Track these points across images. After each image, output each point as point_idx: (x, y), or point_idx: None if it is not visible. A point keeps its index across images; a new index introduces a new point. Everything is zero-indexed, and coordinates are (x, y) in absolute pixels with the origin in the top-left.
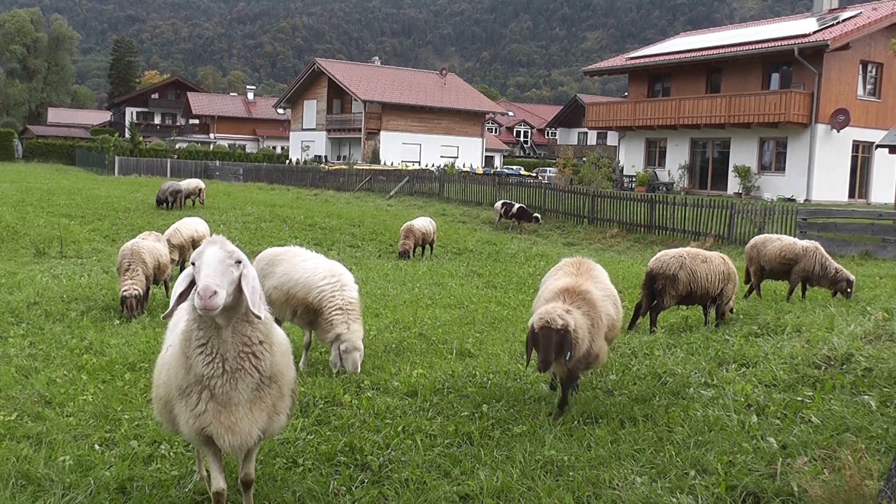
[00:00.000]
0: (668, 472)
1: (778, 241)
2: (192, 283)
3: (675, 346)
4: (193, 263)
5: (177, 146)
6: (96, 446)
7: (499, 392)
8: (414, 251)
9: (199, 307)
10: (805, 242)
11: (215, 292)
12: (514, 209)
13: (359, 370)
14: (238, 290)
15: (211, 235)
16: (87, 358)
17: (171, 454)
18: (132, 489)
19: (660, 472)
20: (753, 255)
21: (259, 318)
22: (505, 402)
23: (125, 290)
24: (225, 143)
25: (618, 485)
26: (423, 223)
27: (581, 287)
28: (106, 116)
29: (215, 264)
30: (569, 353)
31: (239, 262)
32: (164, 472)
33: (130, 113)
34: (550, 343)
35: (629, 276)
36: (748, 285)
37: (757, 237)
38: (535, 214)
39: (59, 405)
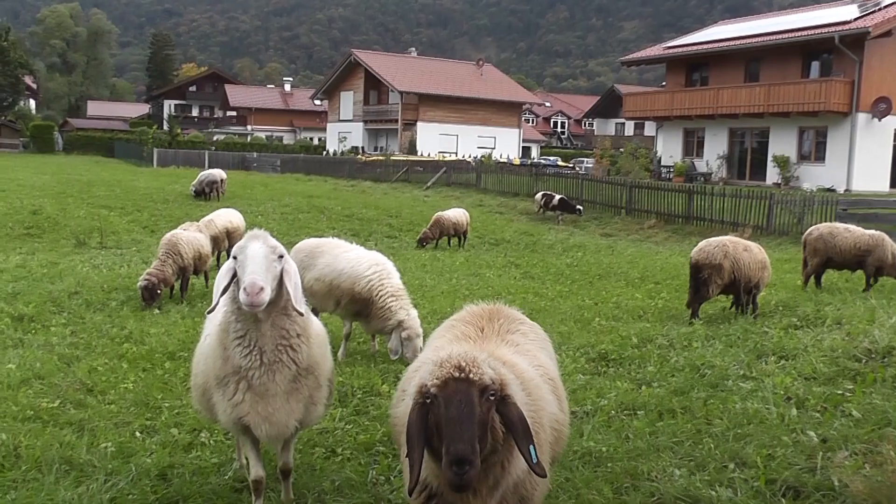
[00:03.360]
0: (707, 464)
1: (848, 233)
2: (234, 277)
3: (714, 338)
4: (235, 257)
5: (214, 138)
6: (137, 433)
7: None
8: (437, 241)
9: (245, 303)
10: (873, 232)
11: (262, 288)
12: (555, 200)
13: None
14: (280, 285)
15: (246, 226)
16: (127, 347)
17: (211, 442)
18: (173, 476)
19: (698, 465)
20: (820, 247)
21: (301, 314)
22: None
23: (141, 280)
24: (262, 135)
25: (656, 477)
26: (455, 214)
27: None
28: (144, 109)
29: (260, 260)
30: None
31: (281, 256)
32: (203, 460)
33: (168, 105)
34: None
35: (667, 267)
36: (805, 275)
37: (821, 227)
38: (578, 206)
39: (101, 393)
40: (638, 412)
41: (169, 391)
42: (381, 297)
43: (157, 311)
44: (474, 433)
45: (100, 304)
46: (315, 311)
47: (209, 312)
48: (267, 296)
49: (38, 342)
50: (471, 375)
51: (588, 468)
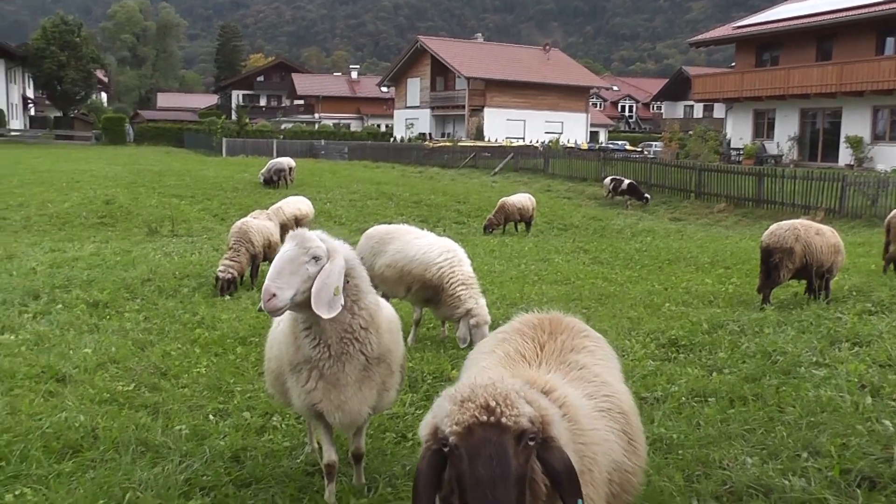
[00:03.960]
0: (780, 453)
1: None
2: None
3: (786, 324)
4: None
5: (282, 127)
6: (210, 416)
7: None
8: (504, 227)
9: (263, 308)
10: None
11: (274, 295)
12: (624, 185)
13: None
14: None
15: (315, 213)
16: (199, 332)
17: (283, 426)
18: (245, 458)
19: (771, 453)
20: None
21: (323, 317)
22: None
23: (219, 271)
24: (329, 123)
25: (728, 465)
26: (520, 199)
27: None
28: (213, 100)
29: (282, 264)
30: None
31: (317, 258)
32: (276, 443)
33: (236, 95)
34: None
35: (737, 251)
36: (885, 259)
37: None
38: (646, 195)
39: (174, 377)
40: (709, 399)
41: (241, 375)
42: (451, 284)
43: (227, 297)
44: (510, 497)
45: (172, 290)
46: (385, 297)
47: (261, 310)
48: (282, 301)
49: (113, 327)
50: (504, 419)
51: (659, 455)
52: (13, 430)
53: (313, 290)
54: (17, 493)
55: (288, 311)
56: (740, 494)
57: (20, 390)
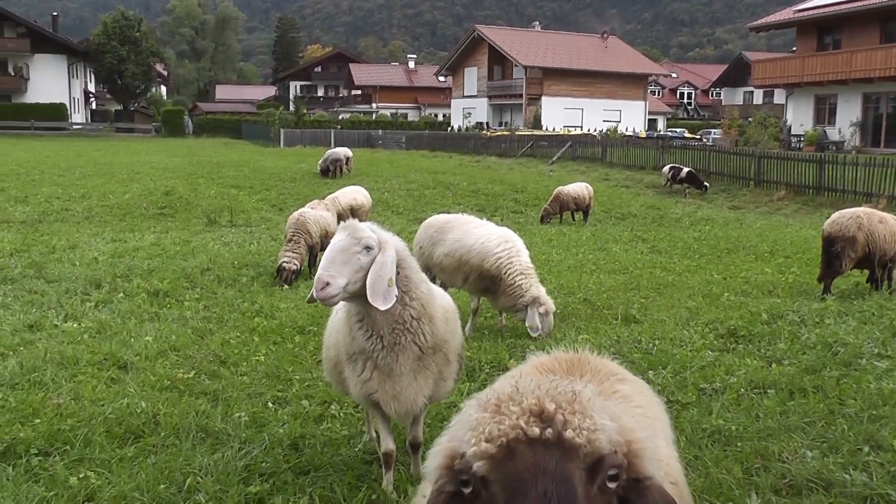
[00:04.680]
0: (840, 446)
1: None
2: None
3: (847, 315)
4: None
5: (340, 117)
6: (269, 404)
7: (665, 358)
8: (561, 216)
9: (315, 298)
10: None
11: (327, 283)
12: (683, 173)
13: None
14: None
15: (373, 203)
16: (258, 321)
17: (341, 414)
18: (304, 446)
19: (831, 447)
20: None
21: (378, 308)
22: (671, 370)
23: (283, 262)
24: (387, 112)
25: (787, 457)
26: (576, 188)
27: None
28: (270, 91)
29: (333, 254)
30: None
31: (369, 248)
32: (334, 432)
33: (294, 87)
34: None
35: (797, 240)
36: None
37: None
38: (705, 183)
39: (234, 364)
40: (768, 390)
41: (299, 364)
42: (509, 274)
43: (286, 287)
44: None
45: (231, 279)
46: (444, 286)
47: (309, 301)
48: (335, 290)
49: (173, 316)
50: (569, 433)
51: (717, 447)
52: (77, 415)
53: (368, 281)
54: (80, 476)
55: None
56: (800, 488)
57: (83, 377)
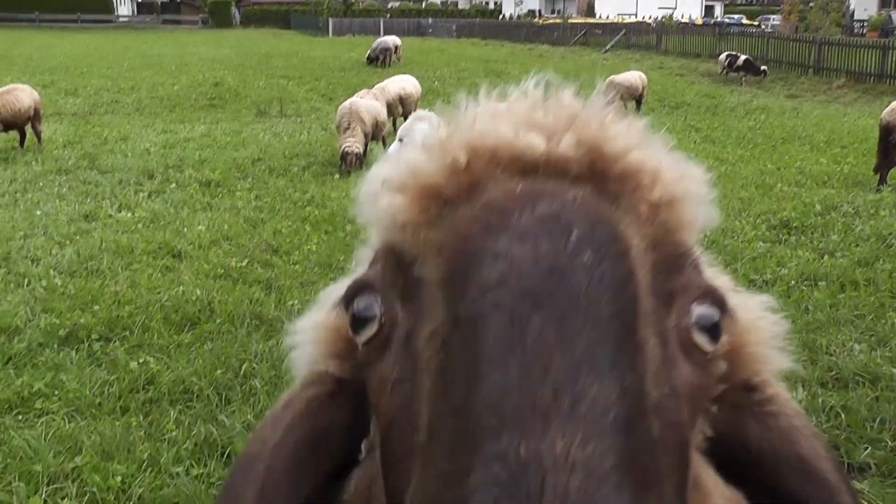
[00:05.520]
0: (889, 340)
1: None
2: None
3: None
4: (402, 140)
5: (389, 5)
6: (322, 293)
7: (716, 249)
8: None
9: None
10: None
11: None
12: (740, 61)
13: None
14: None
15: (422, 91)
16: (309, 210)
17: None
18: None
19: (880, 340)
20: None
21: None
22: (721, 261)
23: (346, 147)
24: (437, 0)
25: (835, 350)
26: (628, 77)
27: None
28: None
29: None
30: None
31: None
32: None
33: None
34: None
35: (855, 129)
36: None
37: None
38: (763, 67)
39: (286, 253)
40: (819, 283)
41: (350, 253)
42: None
43: (336, 176)
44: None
45: (282, 169)
46: None
47: None
48: None
49: (225, 206)
50: (609, 150)
51: None
52: (134, 302)
53: None
54: (140, 360)
55: None
56: (846, 381)
57: (139, 265)
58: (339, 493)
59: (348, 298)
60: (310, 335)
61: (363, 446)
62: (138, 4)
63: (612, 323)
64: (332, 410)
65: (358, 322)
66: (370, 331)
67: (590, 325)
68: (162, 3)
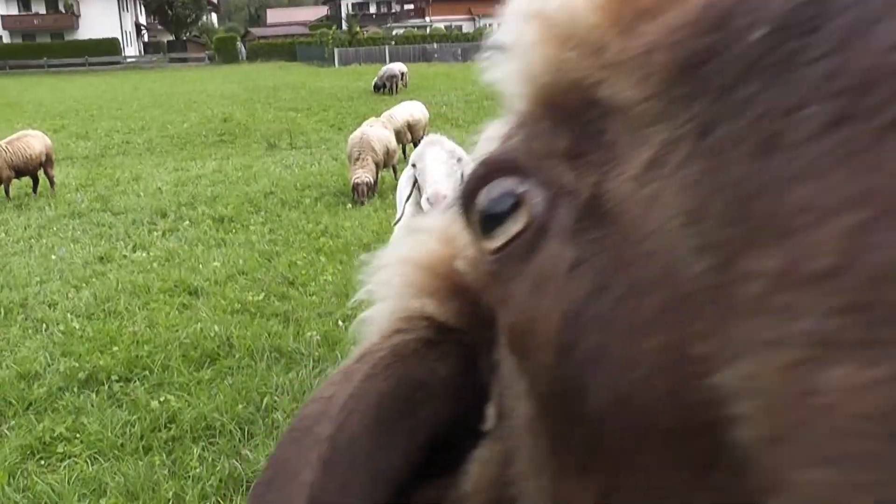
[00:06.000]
0: None
1: None
2: (416, 184)
3: None
4: (415, 165)
5: (394, 33)
6: (339, 322)
7: None
8: None
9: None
10: None
11: (446, 196)
12: None
13: None
14: None
15: (430, 117)
16: (323, 241)
17: None
18: None
19: None
20: None
21: None
22: None
23: (357, 178)
24: (441, 26)
25: None
26: None
27: None
28: (322, 11)
29: (440, 167)
30: None
31: (460, 159)
32: None
33: (346, 5)
34: None
35: None
36: None
37: None
38: None
39: (302, 285)
40: None
41: None
42: None
43: (349, 206)
44: None
45: (294, 201)
46: None
47: (396, 224)
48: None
49: (239, 241)
50: None
51: None
52: (152, 341)
53: None
54: (161, 399)
55: (409, 214)
56: None
57: (156, 304)
58: (451, 487)
59: (469, 193)
60: (391, 277)
61: (489, 412)
62: (145, 44)
63: None
64: (429, 360)
65: (491, 219)
66: (515, 225)
67: None
68: (168, 41)
